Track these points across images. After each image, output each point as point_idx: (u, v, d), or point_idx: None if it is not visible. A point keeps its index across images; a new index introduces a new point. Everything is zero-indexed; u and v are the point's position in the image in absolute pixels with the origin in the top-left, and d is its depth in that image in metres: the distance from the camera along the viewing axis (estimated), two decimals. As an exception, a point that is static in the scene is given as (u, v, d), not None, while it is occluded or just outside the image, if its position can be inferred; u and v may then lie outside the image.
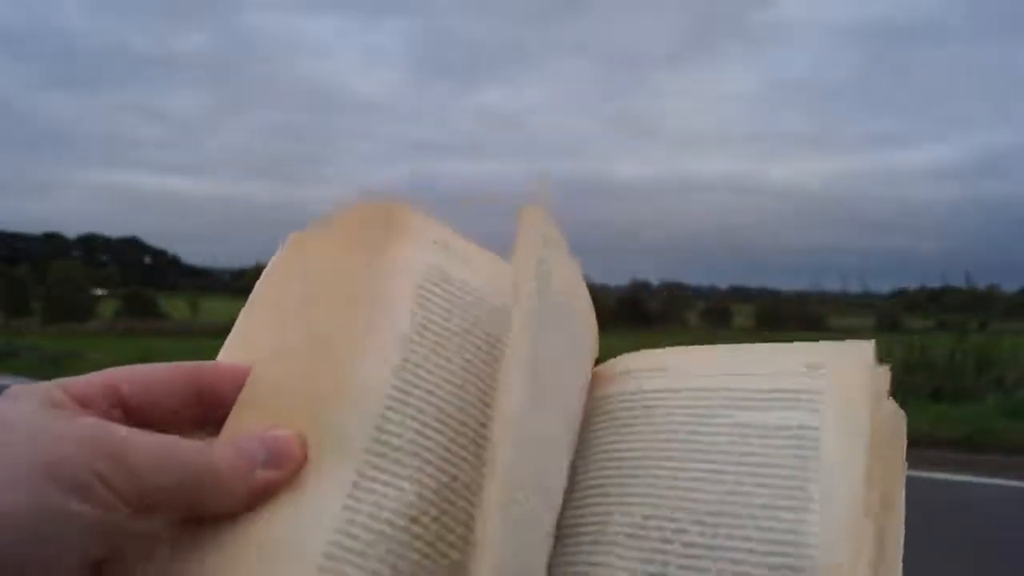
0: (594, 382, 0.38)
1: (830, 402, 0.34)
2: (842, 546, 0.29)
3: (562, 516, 0.33)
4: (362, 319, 0.32)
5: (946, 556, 3.09)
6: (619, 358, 0.39)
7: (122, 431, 0.25)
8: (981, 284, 9.81)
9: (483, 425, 0.32)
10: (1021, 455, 4.98)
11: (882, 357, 0.36)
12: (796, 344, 0.38)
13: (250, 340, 0.33)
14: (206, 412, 0.29)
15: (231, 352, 0.33)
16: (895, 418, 0.35)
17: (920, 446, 5.33)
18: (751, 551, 0.29)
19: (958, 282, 9.49)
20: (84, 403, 0.27)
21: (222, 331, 0.34)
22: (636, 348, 0.40)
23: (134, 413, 0.28)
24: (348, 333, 0.32)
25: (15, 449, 0.23)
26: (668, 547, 0.30)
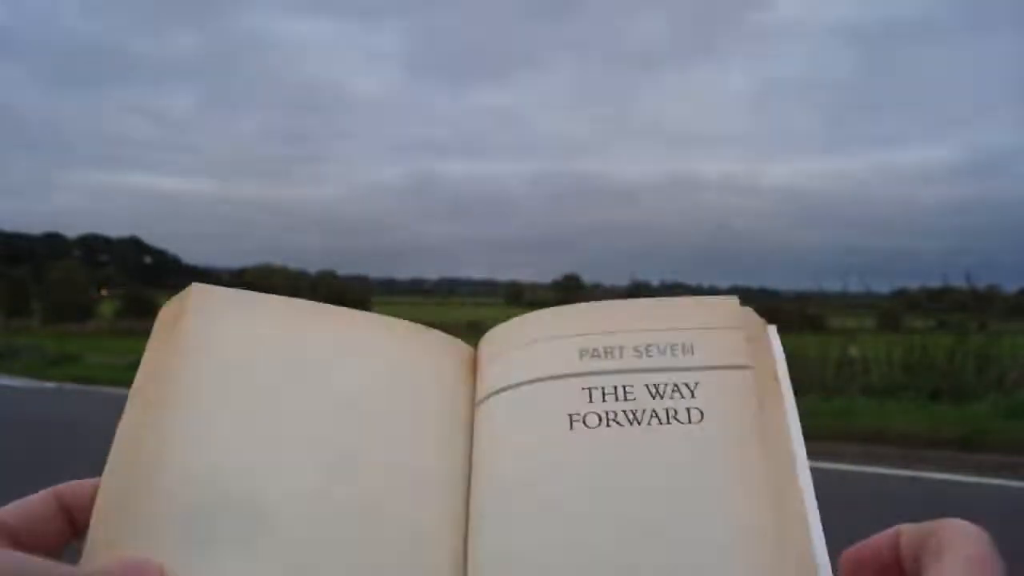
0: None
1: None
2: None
3: None
4: None
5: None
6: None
7: None
8: (981, 284, 9.76)
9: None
10: (1021, 455, 4.98)
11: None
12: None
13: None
14: (79, 525, 0.33)
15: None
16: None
17: (920, 446, 5.33)
18: None
19: (958, 282, 9.45)
20: None
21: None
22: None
23: (24, 544, 0.32)
24: None
25: None
26: None
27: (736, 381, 0.35)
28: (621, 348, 0.37)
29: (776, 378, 0.35)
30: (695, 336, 0.36)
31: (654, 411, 0.34)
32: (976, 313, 9.04)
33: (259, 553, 0.32)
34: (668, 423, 0.34)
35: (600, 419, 0.35)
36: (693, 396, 0.35)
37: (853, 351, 7.99)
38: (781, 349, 0.37)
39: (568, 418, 0.35)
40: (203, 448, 0.33)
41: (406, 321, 0.40)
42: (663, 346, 0.36)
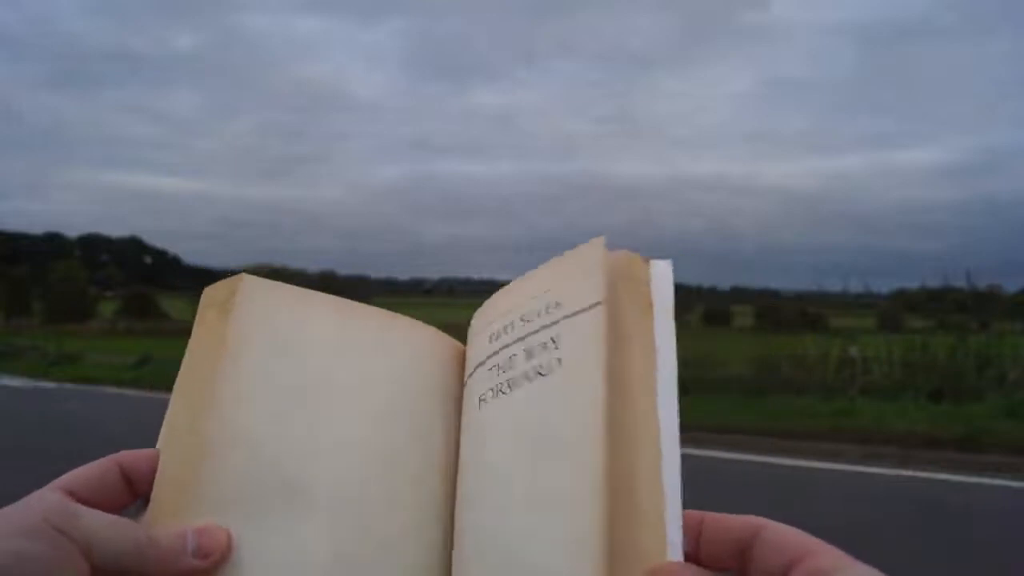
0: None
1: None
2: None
3: None
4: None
5: (946, 556, 3.09)
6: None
7: (79, 505, 0.32)
8: (981, 284, 9.74)
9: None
10: (1021, 455, 4.97)
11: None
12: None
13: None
14: (140, 491, 0.36)
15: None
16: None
17: (920, 446, 5.32)
18: None
19: (958, 282, 9.43)
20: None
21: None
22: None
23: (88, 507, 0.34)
24: None
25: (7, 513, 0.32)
26: None
27: (588, 321, 0.35)
28: (512, 323, 0.39)
29: (648, 310, 0.36)
30: (562, 290, 0.38)
31: (526, 372, 0.36)
32: (976, 313, 9.03)
33: (306, 533, 0.34)
34: (534, 380, 0.35)
35: (494, 392, 0.37)
36: (557, 348, 0.36)
37: (853, 351, 7.99)
38: (669, 283, 0.36)
39: (479, 400, 0.37)
40: (258, 428, 0.36)
41: (423, 323, 0.44)
42: (540, 309, 0.38)
